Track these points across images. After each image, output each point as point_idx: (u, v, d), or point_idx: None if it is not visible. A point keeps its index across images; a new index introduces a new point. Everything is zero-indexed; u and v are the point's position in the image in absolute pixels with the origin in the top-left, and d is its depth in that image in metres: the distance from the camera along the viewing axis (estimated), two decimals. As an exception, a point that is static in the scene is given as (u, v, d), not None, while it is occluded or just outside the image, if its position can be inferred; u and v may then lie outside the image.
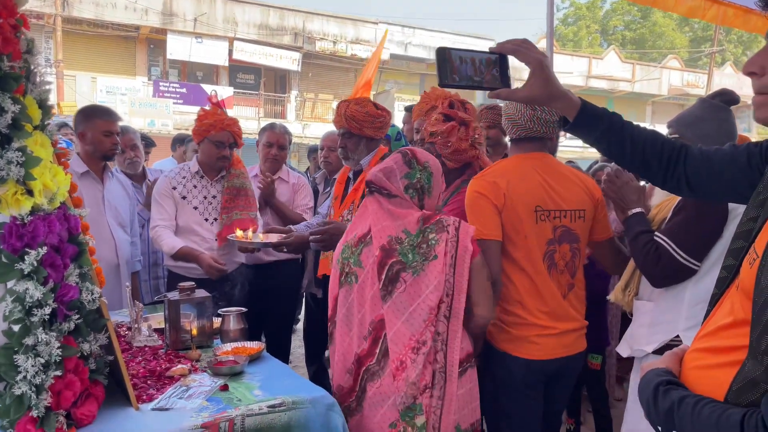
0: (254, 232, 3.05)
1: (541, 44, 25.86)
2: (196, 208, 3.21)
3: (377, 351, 1.92)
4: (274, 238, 2.97)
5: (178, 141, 5.68)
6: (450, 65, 1.34)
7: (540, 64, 1.36)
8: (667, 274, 1.97)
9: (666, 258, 1.94)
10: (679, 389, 1.01)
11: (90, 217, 3.08)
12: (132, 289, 3.41)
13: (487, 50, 1.39)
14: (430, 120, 2.63)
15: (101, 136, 3.16)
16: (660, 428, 1.01)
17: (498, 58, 1.38)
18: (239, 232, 2.97)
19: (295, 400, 1.88)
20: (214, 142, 3.19)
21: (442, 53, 1.34)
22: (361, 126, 2.86)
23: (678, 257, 1.92)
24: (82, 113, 3.25)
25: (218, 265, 3.02)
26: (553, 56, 4.86)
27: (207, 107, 3.29)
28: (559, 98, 1.40)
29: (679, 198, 2.00)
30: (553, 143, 2.33)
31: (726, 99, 2.07)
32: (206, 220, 3.22)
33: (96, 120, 3.16)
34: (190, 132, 3.82)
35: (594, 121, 1.41)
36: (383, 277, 1.91)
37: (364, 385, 1.96)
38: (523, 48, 1.36)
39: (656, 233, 2.01)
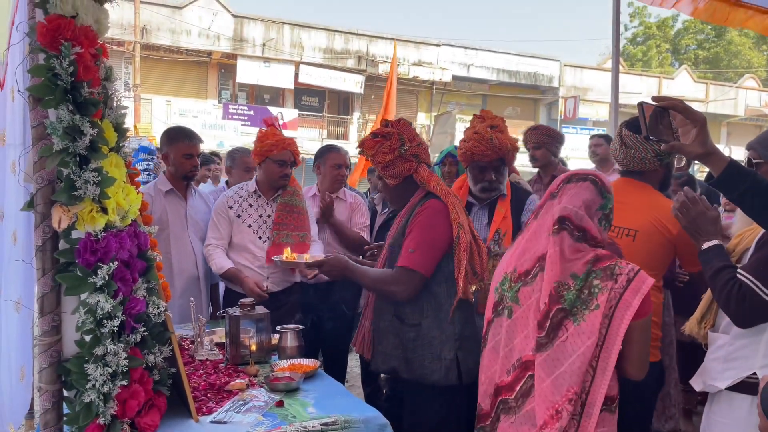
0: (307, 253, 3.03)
1: (607, 65, 25.23)
2: (250, 226, 3.32)
3: (518, 388, 1.85)
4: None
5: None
6: (644, 120, 1.61)
7: (705, 124, 1.59)
8: (753, 315, 1.82)
9: (752, 298, 1.78)
10: None
11: (173, 232, 3.32)
12: (213, 301, 3.56)
13: (655, 104, 1.64)
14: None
15: (182, 159, 3.32)
16: None
17: (662, 112, 1.63)
18: (286, 253, 2.85)
19: (348, 420, 1.89)
20: (276, 162, 3.29)
21: (640, 108, 1.61)
22: (511, 154, 2.89)
23: (765, 296, 1.77)
24: (167, 135, 3.43)
25: (259, 289, 3.10)
26: (618, 76, 4.75)
27: (264, 128, 3.39)
28: (712, 154, 1.61)
29: (763, 230, 1.88)
30: (657, 174, 2.45)
31: None
32: (260, 238, 3.32)
33: (178, 143, 3.33)
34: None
35: (739, 178, 1.57)
36: (547, 325, 1.78)
37: (498, 413, 1.92)
38: (689, 107, 1.60)
39: (739, 269, 1.86)
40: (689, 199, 2.01)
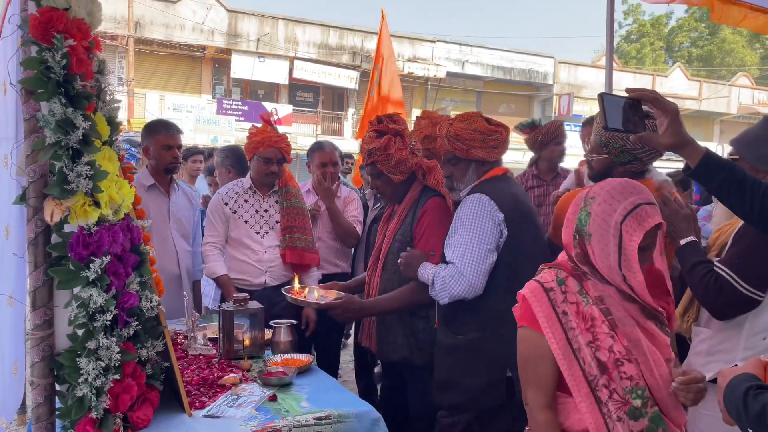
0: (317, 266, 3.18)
1: (602, 62, 25.33)
2: (246, 221, 3.31)
3: None
4: (320, 293, 2.80)
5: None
6: (608, 111, 1.54)
7: (677, 114, 1.55)
8: (729, 307, 1.86)
9: (727, 290, 1.83)
10: None
11: (155, 228, 3.23)
12: (194, 297, 3.54)
13: (626, 96, 1.58)
14: (364, 140, 2.64)
15: (162, 151, 3.28)
16: (751, 431, 1.09)
17: (635, 104, 1.58)
18: (296, 286, 2.79)
19: (341, 414, 1.90)
20: (262, 159, 3.28)
21: (601, 100, 1.54)
22: (468, 147, 2.35)
23: (740, 288, 1.82)
24: (146, 129, 3.40)
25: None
26: (612, 74, 4.76)
27: (259, 124, 3.38)
28: (688, 144, 1.57)
29: (740, 224, 1.91)
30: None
31: None
32: (257, 233, 3.31)
33: (156, 135, 3.29)
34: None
35: (715, 169, 1.55)
36: None
37: None
38: (660, 97, 1.55)
39: (716, 263, 1.90)
40: (663, 200, 2.06)
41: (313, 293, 2.73)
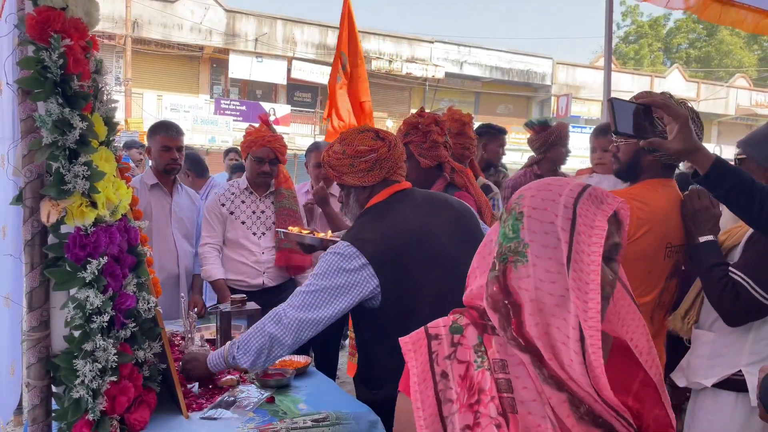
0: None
1: (600, 63, 25.35)
2: (243, 222, 3.31)
3: None
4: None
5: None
6: (617, 115, 1.54)
7: (687, 120, 1.56)
8: (744, 313, 1.84)
9: (745, 297, 1.80)
10: None
11: (156, 228, 3.26)
12: (194, 287, 3.51)
13: (636, 101, 1.58)
14: (409, 119, 2.71)
15: (161, 152, 3.29)
16: None
17: (645, 109, 1.58)
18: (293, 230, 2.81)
19: (339, 416, 1.89)
20: (254, 158, 3.29)
21: (611, 105, 1.54)
22: (339, 174, 2.05)
23: (757, 296, 1.79)
24: (149, 129, 3.43)
25: None
26: (610, 75, 4.76)
27: (257, 124, 3.38)
28: (698, 151, 1.59)
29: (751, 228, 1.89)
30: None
31: None
32: (254, 234, 3.31)
33: (157, 136, 3.31)
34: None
35: (725, 176, 1.57)
36: None
37: None
38: (670, 103, 1.56)
39: (731, 267, 1.88)
40: (696, 193, 2.05)
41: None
